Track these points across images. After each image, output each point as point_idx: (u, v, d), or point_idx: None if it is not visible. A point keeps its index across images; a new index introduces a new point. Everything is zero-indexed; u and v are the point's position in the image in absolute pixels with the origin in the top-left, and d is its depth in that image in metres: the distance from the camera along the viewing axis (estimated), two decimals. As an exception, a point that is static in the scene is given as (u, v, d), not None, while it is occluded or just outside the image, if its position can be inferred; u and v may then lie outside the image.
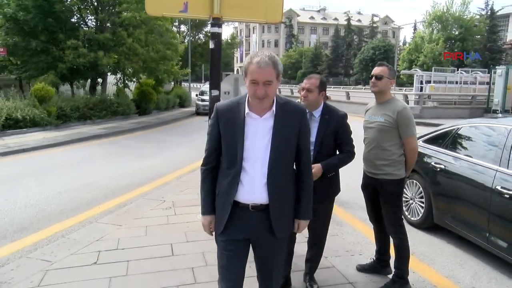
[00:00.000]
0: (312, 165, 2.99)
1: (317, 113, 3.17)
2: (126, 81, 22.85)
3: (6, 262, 4.05)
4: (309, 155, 2.36)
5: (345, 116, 3.20)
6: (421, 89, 24.21)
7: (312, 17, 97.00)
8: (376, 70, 3.38)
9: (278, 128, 2.15)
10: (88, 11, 19.91)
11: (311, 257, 3.49)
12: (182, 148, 11.75)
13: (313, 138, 3.11)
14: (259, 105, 2.13)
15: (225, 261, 2.27)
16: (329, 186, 3.26)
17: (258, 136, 2.16)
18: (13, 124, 13.31)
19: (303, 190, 2.34)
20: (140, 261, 3.92)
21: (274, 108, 2.16)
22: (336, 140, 3.17)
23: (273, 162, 2.16)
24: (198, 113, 23.39)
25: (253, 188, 2.18)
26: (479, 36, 58.12)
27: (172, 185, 7.10)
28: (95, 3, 19.50)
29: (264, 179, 2.17)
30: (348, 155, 3.20)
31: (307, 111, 3.12)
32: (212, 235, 2.39)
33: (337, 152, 3.25)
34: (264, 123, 2.17)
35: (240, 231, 2.23)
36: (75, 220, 5.39)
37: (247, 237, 2.27)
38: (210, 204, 2.33)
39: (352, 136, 3.25)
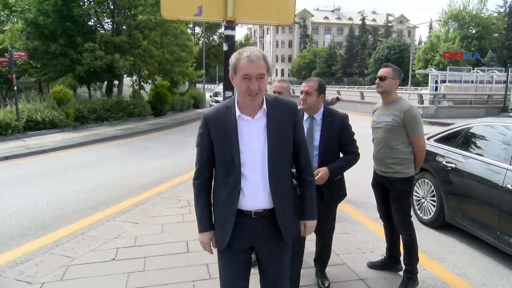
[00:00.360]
0: (319, 169, 3.01)
1: (318, 116, 3.13)
2: (142, 83, 23.21)
3: (31, 257, 4.25)
4: (308, 152, 2.23)
5: (346, 117, 3.16)
6: (436, 89, 23.94)
7: (326, 17, 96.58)
8: (381, 71, 3.47)
9: (272, 127, 2.04)
10: (104, 14, 20.25)
11: (319, 258, 3.58)
12: (197, 148, 11.85)
13: (316, 142, 3.08)
14: (251, 103, 2.00)
15: (226, 270, 2.18)
16: (336, 191, 3.22)
17: (253, 138, 2.04)
18: (33, 126, 13.77)
19: (307, 189, 2.23)
20: (157, 257, 4.06)
21: (264, 106, 2.05)
22: (339, 142, 3.13)
23: (273, 163, 2.04)
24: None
25: (255, 193, 2.05)
26: (497, 35, 57.19)
27: (187, 184, 7.19)
28: (112, 7, 19.89)
29: (266, 183, 2.04)
30: (353, 157, 3.15)
31: (307, 115, 3.14)
32: (212, 253, 2.26)
33: (341, 155, 3.22)
34: (257, 123, 2.05)
35: (242, 240, 2.11)
36: (94, 218, 5.57)
37: (250, 245, 2.16)
38: (208, 219, 2.19)
39: (355, 136, 3.21)
